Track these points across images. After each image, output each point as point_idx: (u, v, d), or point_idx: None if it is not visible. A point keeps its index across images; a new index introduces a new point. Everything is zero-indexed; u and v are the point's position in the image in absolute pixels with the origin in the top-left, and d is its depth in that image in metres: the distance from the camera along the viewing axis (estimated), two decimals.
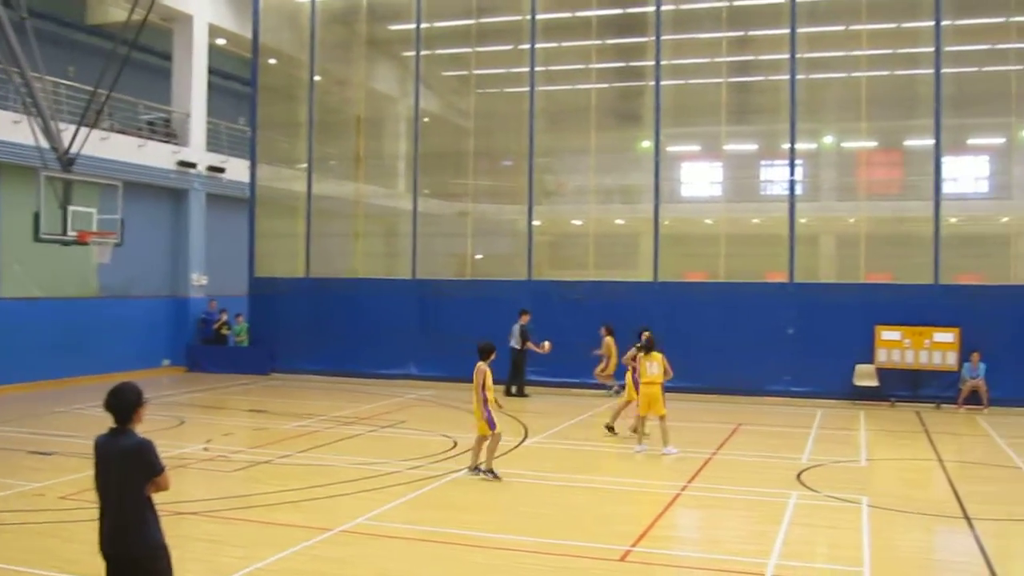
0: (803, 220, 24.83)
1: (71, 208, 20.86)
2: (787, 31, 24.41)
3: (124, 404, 6.22)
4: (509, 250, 27.68)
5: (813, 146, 26.83)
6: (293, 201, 28.66)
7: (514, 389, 23.54)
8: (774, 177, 27.25)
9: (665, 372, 16.10)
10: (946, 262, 23.14)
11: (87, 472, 6.45)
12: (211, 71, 30.71)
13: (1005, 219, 24.60)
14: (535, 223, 26.50)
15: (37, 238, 20.39)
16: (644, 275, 25.33)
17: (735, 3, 25.58)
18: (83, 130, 21.12)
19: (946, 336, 22.49)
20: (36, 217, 20.10)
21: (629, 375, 17.44)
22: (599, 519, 11.57)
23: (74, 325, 25.02)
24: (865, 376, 22.96)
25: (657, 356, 16.09)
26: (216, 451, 15.59)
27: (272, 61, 30.00)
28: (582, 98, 26.97)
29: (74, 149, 21.17)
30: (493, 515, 11.61)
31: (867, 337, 22.97)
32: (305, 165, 28.64)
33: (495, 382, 13.96)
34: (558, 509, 12.11)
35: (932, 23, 23.50)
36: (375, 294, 27.23)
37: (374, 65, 29.89)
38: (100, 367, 24.52)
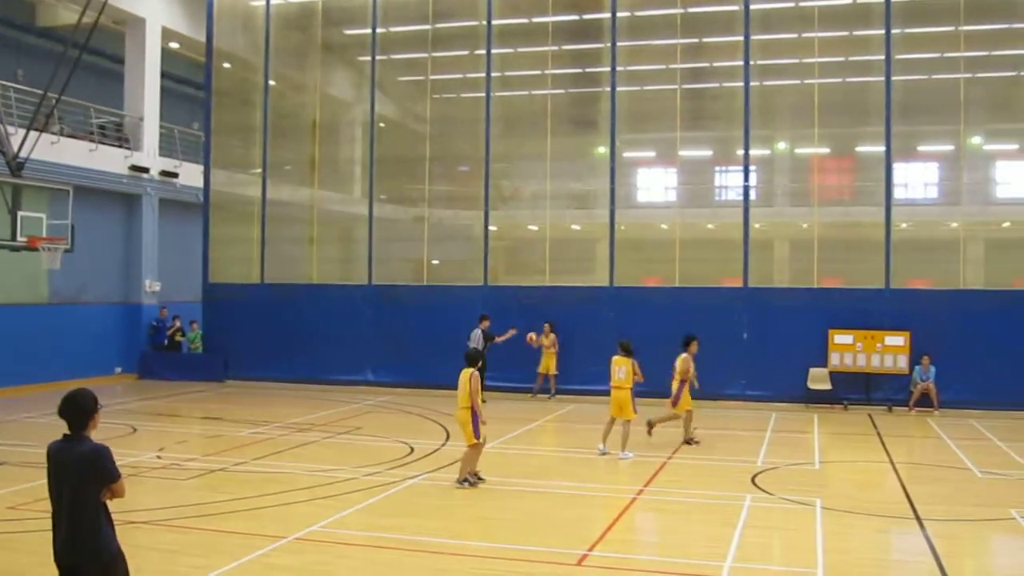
0: (757, 225, 25.07)
1: (20, 213, 20.58)
2: (741, 38, 24.66)
3: (79, 410, 6.14)
4: (465, 255, 27.66)
5: (767, 152, 27.11)
6: (248, 206, 28.46)
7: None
8: (728, 183, 27.46)
9: (635, 375, 16.20)
10: (897, 267, 23.48)
11: (38, 481, 6.38)
12: (164, 75, 30.43)
13: (954, 224, 24.98)
14: (491, 228, 26.52)
15: None
16: (600, 280, 25.46)
17: (689, 10, 25.76)
18: (33, 134, 20.84)
19: (897, 340, 22.81)
20: None
21: (676, 384, 17.41)
22: (555, 524, 11.58)
23: (24, 332, 24.63)
24: (818, 379, 23.22)
25: (626, 361, 16.16)
26: (169, 459, 15.44)
27: (226, 65, 29.77)
28: (538, 104, 27.03)
29: (24, 153, 20.88)
30: (449, 521, 11.58)
31: (820, 341, 23.25)
32: (260, 170, 28.44)
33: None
34: (514, 514, 12.12)
35: (883, 31, 23.88)
36: (331, 300, 27.10)
37: (329, 70, 29.76)
38: (50, 375, 24.16)
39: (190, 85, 33.89)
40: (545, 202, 26.76)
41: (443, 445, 17.18)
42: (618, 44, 25.53)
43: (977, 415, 21.80)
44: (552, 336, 23.92)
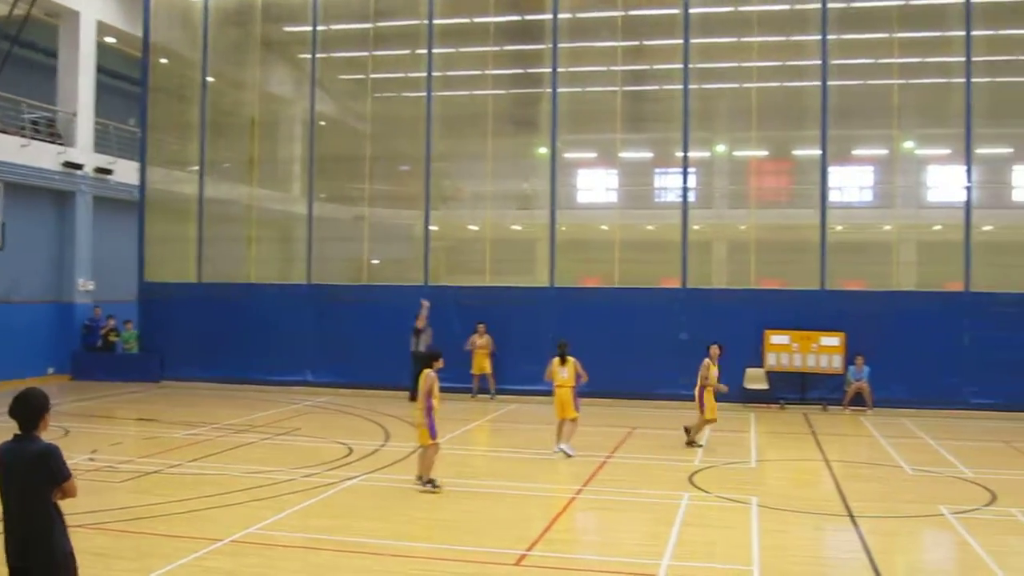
0: (696, 227, 25.33)
1: None
2: (680, 42, 24.89)
3: (31, 410, 6.07)
4: (406, 255, 27.55)
5: (706, 154, 27.38)
6: (185, 204, 28.05)
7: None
8: (668, 184, 27.72)
9: (579, 376, 16.28)
10: (832, 268, 23.88)
11: None
12: (100, 70, 29.89)
13: (888, 227, 25.44)
14: (432, 228, 26.47)
15: None
16: (540, 280, 25.52)
17: (630, 13, 25.92)
18: None
19: (832, 340, 23.19)
20: None
21: (699, 389, 17.52)
22: (494, 524, 11.59)
23: None
24: (755, 379, 23.52)
25: (569, 361, 16.26)
26: (103, 461, 15.16)
27: (163, 60, 29.31)
28: (479, 104, 27.01)
29: None
30: (388, 522, 11.53)
31: (757, 341, 23.57)
32: (197, 167, 28.06)
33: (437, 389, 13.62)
34: (453, 514, 12.10)
35: (819, 37, 24.25)
36: (269, 299, 26.84)
37: (269, 67, 29.46)
38: None
39: (126, 80, 33.29)
40: (486, 202, 26.77)
41: (382, 446, 17.12)
42: (559, 45, 25.63)
43: (909, 414, 22.24)
44: (487, 337, 23.92)
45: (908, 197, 26.17)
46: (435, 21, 26.38)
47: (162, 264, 28.27)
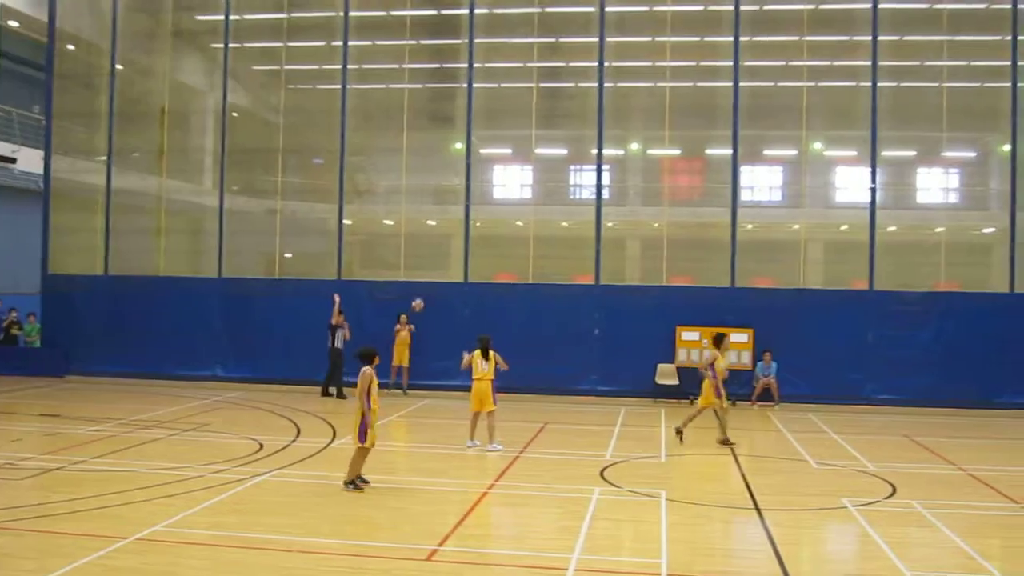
0: (610, 224, 25.56)
1: None
2: (596, 39, 25.10)
3: None
4: (319, 249, 27.27)
5: (620, 152, 27.66)
6: (91, 195, 27.35)
7: (332, 391, 23.35)
8: (583, 181, 27.91)
9: (499, 367, 16.46)
10: (742, 266, 24.32)
11: None
12: (2, 54, 29.02)
13: (796, 226, 25.97)
14: (346, 222, 26.26)
15: None
16: (455, 276, 25.52)
17: (547, 10, 26.05)
18: None
19: (741, 336, 23.60)
20: None
21: (707, 383, 17.54)
22: (406, 519, 11.55)
23: None
24: (666, 375, 23.84)
25: (491, 354, 16.39)
26: (3, 458, 14.69)
27: (70, 47, 28.53)
28: (395, 98, 26.88)
29: None
30: (298, 519, 11.40)
31: (668, 337, 23.88)
32: (105, 157, 27.38)
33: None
34: (365, 510, 12.02)
35: (731, 38, 24.65)
36: (179, 293, 26.35)
37: (180, 56, 28.87)
38: None
39: (30, 66, 32.37)
40: (401, 197, 26.64)
41: (293, 441, 16.94)
42: (475, 41, 25.65)
43: (815, 409, 22.77)
44: (409, 327, 23.84)
45: (816, 197, 26.78)
46: (351, 13, 26.18)
47: (67, 256, 27.54)
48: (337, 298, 23.34)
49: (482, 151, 27.59)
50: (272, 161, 27.15)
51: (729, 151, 24.85)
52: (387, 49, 27.82)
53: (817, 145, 26.61)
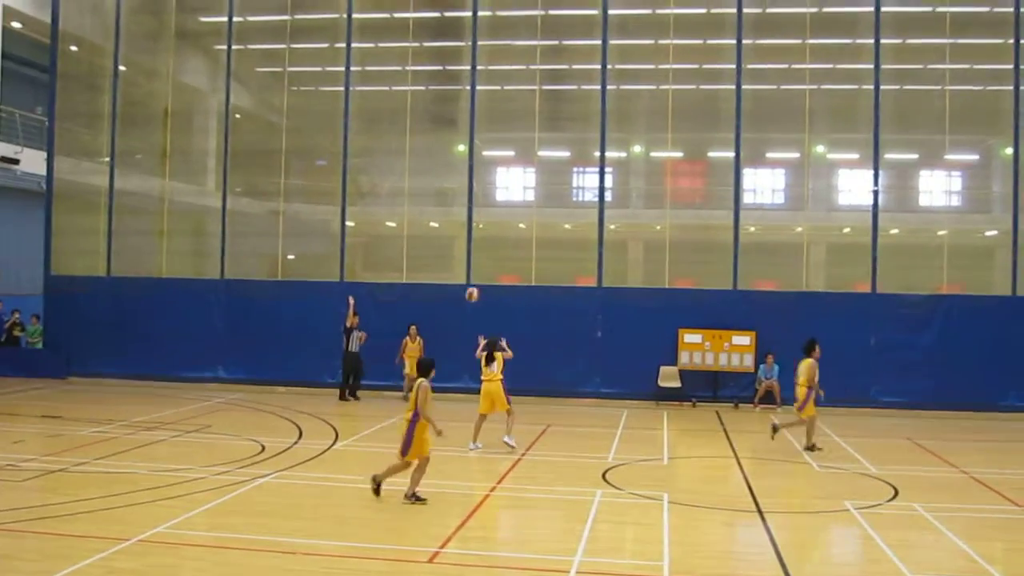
0: (612, 226, 25.58)
1: None
2: (599, 42, 25.11)
3: None
4: (322, 251, 27.27)
5: (623, 155, 27.67)
6: (94, 196, 27.36)
7: (347, 393, 23.36)
8: (585, 184, 27.92)
9: (505, 355, 16.61)
10: (744, 269, 24.32)
11: None
12: (5, 56, 29.02)
13: (799, 229, 25.97)
14: (348, 224, 26.28)
15: None
16: (457, 278, 25.50)
17: (550, 12, 26.05)
18: None
19: (743, 339, 23.63)
20: None
21: (804, 391, 17.35)
22: (409, 522, 11.55)
23: None
24: (669, 377, 23.84)
25: (497, 356, 16.45)
26: (5, 460, 14.70)
27: (73, 48, 28.56)
28: (398, 100, 26.86)
29: None
30: (300, 521, 11.41)
31: (671, 340, 23.89)
32: (107, 158, 27.40)
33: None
34: (367, 512, 12.03)
35: (734, 41, 24.67)
36: (182, 294, 26.36)
37: (183, 57, 28.88)
38: None
39: (34, 67, 32.41)
40: (403, 199, 26.62)
41: (295, 443, 16.95)
42: (479, 43, 25.67)
43: (817, 411, 22.69)
44: (420, 339, 23.35)
45: (818, 200, 26.78)
46: (354, 15, 26.22)
47: (70, 257, 27.56)
48: (351, 300, 23.28)
49: (485, 153, 27.62)
50: (275, 163, 27.14)
51: (731, 154, 24.86)
52: (390, 51, 27.84)
53: (820, 148, 26.61)
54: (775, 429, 17.56)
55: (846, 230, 27.02)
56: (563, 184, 28.76)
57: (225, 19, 26.90)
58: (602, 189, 25.34)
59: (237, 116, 27.64)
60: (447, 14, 27.42)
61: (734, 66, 24.68)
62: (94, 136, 28.11)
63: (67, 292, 26.94)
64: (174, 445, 16.75)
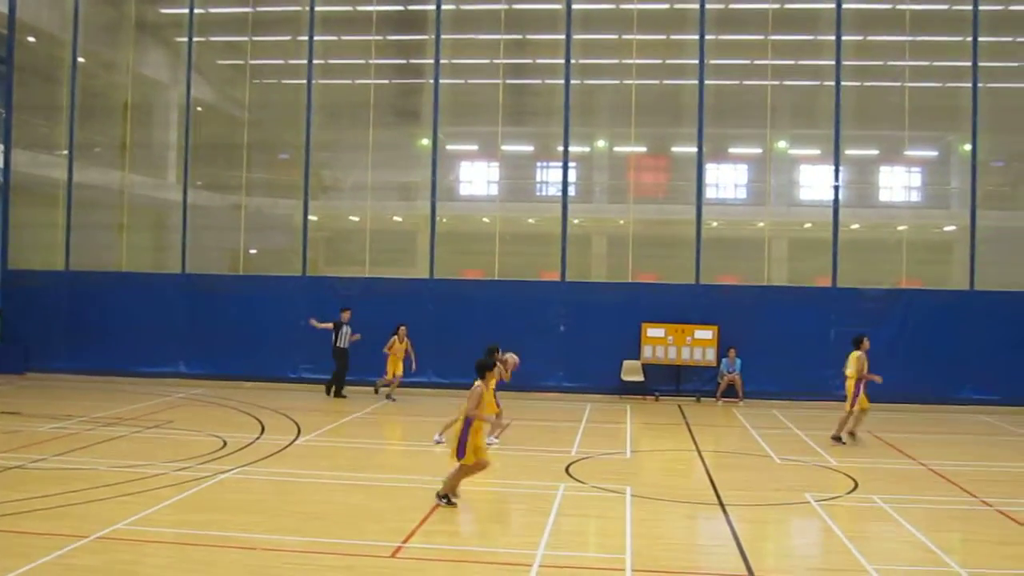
0: (576, 221, 25.62)
1: None
2: (563, 37, 25.13)
3: None
4: (284, 245, 27.13)
5: (586, 149, 27.74)
6: (52, 189, 27.00)
7: (333, 390, 23.19)
8: (549, 178, 27.98)
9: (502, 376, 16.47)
10: (707, 263, 24.46)
11: None
12: None
13: (761, 224, 26.15)
14: (311, 218, 26.15)
15: None
16: (421, 272, 25.48)
17: (514, 6, 26.05)
18: None
19: (705, 333, 23.76)
20: None
21: (852, 384, 17.38)
22: (371, 516, 11.51)
23: None
24: (632, 371, 23.93)
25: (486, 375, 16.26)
26: None
27: (31, 39, 28.14)
28: (361, 93, 26.76)
29: None
30: (262, 516, 11.33)
31: (634, 334, 23.97)
32: (66, 152, 27.06)
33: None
34: (330, 507, 11.96)
35: (697, 37, 24.79)
36: (142, 289, 26.10)
37: (144, 49, 28.57)
38: None
39: None
40: (366, 193, 26.52)
41: (257, 438, 16.84)
42: (442, 36, 25.60)
43: (778, 405, 22.95)
44: (408, 341, 22.70)
45: (780, 195, 27.00)
46: (317, 8, 26.06)
47: (28, 251, 27.20)
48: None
49: (448, 147, 27.58)
50: (237, 156, 26.93)
51: (694, 149, 24.98)
52: (353, 44, 27.73)
53: (781, 143, 26.82)
54: (840, 440, 17.55)
55: (807, 225, 27.25)
56: (527, 178, 28.78)
57: (186, 11, 26.64)
58: (565, 183, 25.38)
59: (198, 109, 27.39)
60: (410, 7, 27.35)
61: (697, 61, 24.80)
62: (52, 129, 27.75)
63: (25, 287, 26.58)
64: (134, 441, 16.58)
